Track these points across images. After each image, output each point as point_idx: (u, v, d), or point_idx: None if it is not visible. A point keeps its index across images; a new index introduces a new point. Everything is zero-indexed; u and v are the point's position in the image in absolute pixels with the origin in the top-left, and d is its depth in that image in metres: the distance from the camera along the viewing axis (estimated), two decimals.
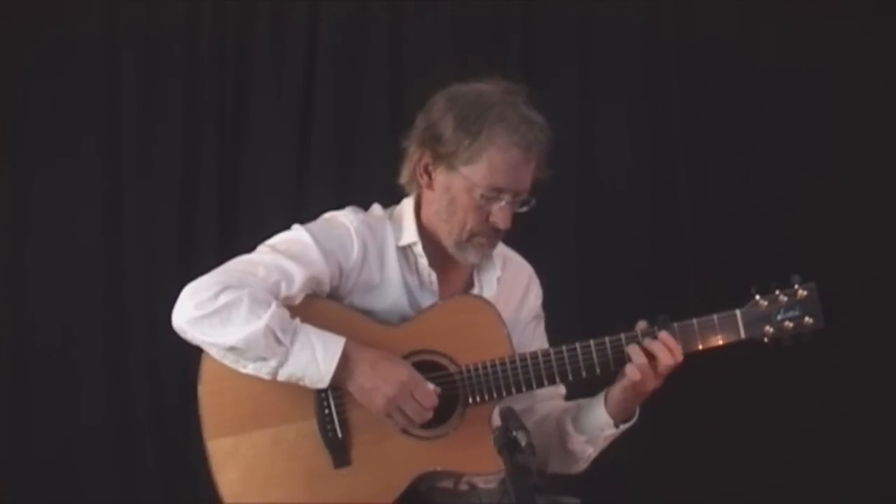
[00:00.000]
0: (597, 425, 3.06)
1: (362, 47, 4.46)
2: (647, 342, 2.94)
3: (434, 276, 3.05)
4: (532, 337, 3.22)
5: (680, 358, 2.94)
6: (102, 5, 4.39)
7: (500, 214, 2.97)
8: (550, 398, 3.19)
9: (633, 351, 2.94)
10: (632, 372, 2.93)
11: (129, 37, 4.40)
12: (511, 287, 3.19)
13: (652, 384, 2.95)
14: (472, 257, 3.03)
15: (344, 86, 4.45)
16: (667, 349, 2.93)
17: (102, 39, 4.41)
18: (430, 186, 3.03)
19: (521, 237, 3.28)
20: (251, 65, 4.45)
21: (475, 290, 3.12)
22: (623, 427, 3.06)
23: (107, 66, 4.41)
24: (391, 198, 3.17)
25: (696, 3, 4.49)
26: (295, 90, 4.45)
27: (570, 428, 3.09)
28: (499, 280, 3.13)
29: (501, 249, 3.16)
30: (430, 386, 2.90)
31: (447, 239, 3.03)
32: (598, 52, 4.51)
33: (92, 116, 4.40)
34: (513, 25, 4.49)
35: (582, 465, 3.15)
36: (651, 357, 2.93)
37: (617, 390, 3.01)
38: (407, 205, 3.11)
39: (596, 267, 4.46)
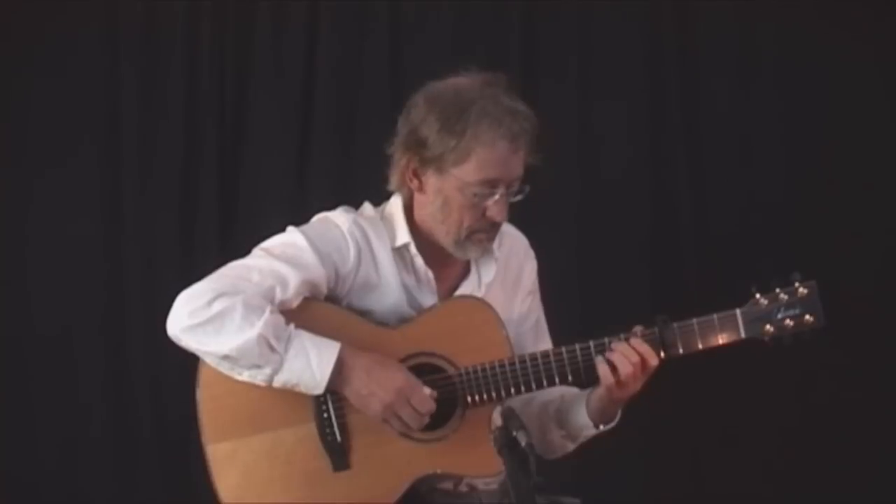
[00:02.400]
0: (577, 425, 3.04)
1: (362, 47, 4.46)
2: (608, 354, 2.91)
3: (431, 274, 3.04)
4: (529, 309, 3.21)
5: (643, 362, 2.89)
6: (102, 5, 4.39)
7: (496, 208, 2.94)
8: None
9: (615, 357, 2.90)
10: (605, 376, 2.90)
11: (129, 37, 4.41)
12: (507, 263, 3.16)
13: (627, 392, 2.92)
14: (472, 253, 3.01)
15: (344, 85, 4.46)
16: (625, 359, 2.89)
17: (102, 39, 4.42)
18: (421, 190, 3.00)
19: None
20: (251, 65, 4.45)
21: (472, 276, 3.10)
22: (603, 428, 3.03)
23: (107, 66, 4.42)
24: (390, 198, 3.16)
25: (696, 3, 4.49)
26: (295, 90, 4.45)
27: (551, 421, 3.08)
28: (496, 260, 3.10)
29: None
30: (427, 391, 2.89)
31: (445, 239, 3.00)
32: (599, 52, 4.51)
33: (92, 116, 4.41)
34: (513, 25, 4.49)
35: (559, 454, 3.14)
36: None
37: (594, 397, 2.99)
38: (395, 203, 3.08)
39: (596, 266, 4.46)
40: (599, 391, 2.96)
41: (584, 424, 3.03)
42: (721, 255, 4.45)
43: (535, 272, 3.24)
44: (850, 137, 4.44)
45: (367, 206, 3.14)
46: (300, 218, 3.08)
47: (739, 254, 4.41)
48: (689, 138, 4.50)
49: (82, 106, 4.38)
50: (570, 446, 3.11)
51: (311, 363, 2.83)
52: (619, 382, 2.90)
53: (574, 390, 3.09)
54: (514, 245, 3.20)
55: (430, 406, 2.88)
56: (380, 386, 2.86)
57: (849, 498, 4.31)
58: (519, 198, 2.98)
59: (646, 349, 2.90)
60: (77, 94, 4.37)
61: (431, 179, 2.97)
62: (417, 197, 3.04)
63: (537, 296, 3.25)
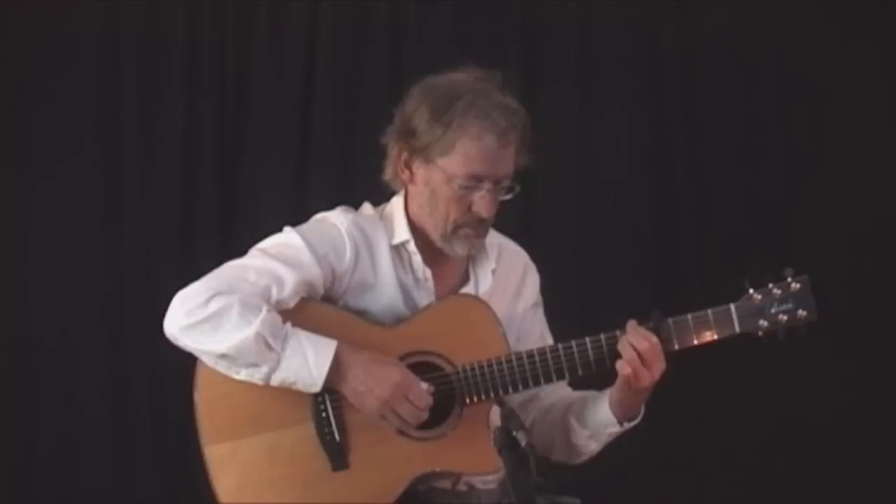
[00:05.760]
0: (601, 422, 3.04)
1: (362, 47, 4.47)
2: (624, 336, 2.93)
3: (429, 273, 3.04)
4: (532, 324, 3.21)
5: (654, 340, 2.91)
6: (102, 6, 4.39)
7: (482, 203, 2.94)
8: (556, 386, 3.13)
9: (621, 346, 2.92)
10: (621, 367, 2.91)
11: (129, 37, 4.42)
12: (506, 277, 3.17)
13: (646, 379, 2.92)
14: (459, 249, 3.01)
15: (344, 86, 4.46)
16: (642, 337, 2.90)
17: (102, 40, 4.42)
18: (411, 181, 3.02)
19: (521, 235, 3.29)
20: (251, 65, 4.46)
21: (471, 284, 3.11)
22: (628, 425, 3.04)
23: (107, 66, 4.43)
24: (390, 198, 3.15)
25: (696, 4, 4.49)
26: (295, 90, 4.46)
27: (574, 423, 3.08)
28: (493, 272, 3.11)
29: (496, 239, 3.15)
30: (424, 386, 2.89)
31: (433, 232, 3.00)
32: (599, 53, 4.52)
33: (92, 116, 4.41)
34: (513, 27, 4.49)
35: (584, 458, 3.15)
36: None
37: (615, 390, 2.99)
38: (396, 202, 3.09)
39: (595, 265, 4.47)
40: (618, 381, 2.96)
41: (608, 421, 3.03)
42: (720, 253, 4.46)
43: (537, 286, 3.25)
44: (849, 137, 4.45)
45: (366, 206, 3.15)
46: (300, 218, 3.08)
47: (739, 253, 4.41)
48: (689, 138, 4.50)
49: (82, 105, 4.38)
50: (595, 446, 3.10)
51: (308, 361, 2.84)
52: (633, 371, 2.90)
53: (594, 392, 3.10)
54: (513, 261, 3.21)
55: (428, 401, 2.88)
56: (377, 382, 2.86)
57: (848, 496, 4.31)
58: (509, 196, 2.98)
59: (642, 332, 2.91)
60: (77, 93, 4.37)
61: (420, 170, 2.99)
62: (410, 189, 3.06)
63: (541, 310, 3.26)
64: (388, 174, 3.07)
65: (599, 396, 3.06)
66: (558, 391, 3.17)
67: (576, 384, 3.14)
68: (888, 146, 4.47)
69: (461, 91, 2.92)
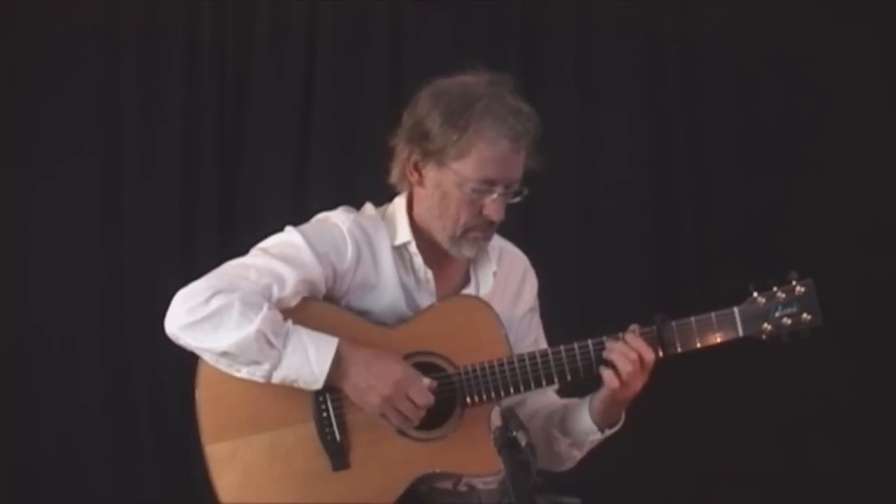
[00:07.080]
0: (581, 430, 3.04)
1: (362, 47, 4.47)
2: (607, 355, 2.92)
3: (430, 275, 3.04)
4: (528, 328, 3.21)
5: (641, 358, 2.90)
6: (102, 6, 4.39)
7: (493, 207, 2.95)
8: (542, 392, 3.13)
9: (614, 356, 2.91)
10: (609, 379, 2.91)
11: (129, 37, 4.42)
12: (507, 279, 3.17)
13: (630, 390, 2.92)
14: (467, 252, 3.01)
15: (344, 86, 4.46)
16: (624, 357, 2.90)
17: (102, 39, 4.42)
18: (420, 183, 3.01)
19: (522, 237, 3.29)
20: (251, 65, 4.46)
21: (472, 286, 3.11)
22: (609, 431, 3.04)
23: (107, 66, 4.43)
24: (391, 199, 3.15)
25: (696, 5, 4.49)
26: (295, 90, 4.45)
27: (555, 431, 3.08)
28: (494, 274, 3.11)
29: (497, 241, 3.14)
30: (426, 381, 2.89)
31: (441, 235, 3.01)
32: (598, 53, 4.52)
33: (92, 116, 4.41)
34: (512, 27, 4.50)
35: (568, 465, 3.15)
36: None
37: (597, 400, 2.99)
38: (399, 203, 3.09)
39: (596, 267, 4.47)
40: (603, 394, 2.96)
41: (589, 429, 3.03)
42: (721, 254, 4.46)
43: (535, 290, 3.25)
44: (850, 138, 4.44)
45: (368, 207, 3.15)
46: (300, 218, 3.08)
47: (739, 253, 4.41)
48: (689, 139, 4.50)
49: (82, 106, 4.38)
50: (577, 454, 3.11)
51: (309, 358, 2.84)
52: (622, 382, 2.90)
53: (576, 399, 3.10)
54: (514, 263, 3.21)
55: (429, 399, 2.88)
56: (378, 379, 2.87)
57: (848, 496, 4.32)
58: (517, 199, 2.99)
59: (640, 344, 2.91)
60: (77, 93, 4.37)
61: (431, 173, 2.98)
62: (417, 191, 3.05)
63: (537, 315, 3.26)
64: (394, 176, 3.07)
65: (580, 404, 3.07)
66: (542, 398, 3.17)
67: (573, 387, 3.15)
68: (889, 147, 4.47)
69: (477, 95, 2.92)
